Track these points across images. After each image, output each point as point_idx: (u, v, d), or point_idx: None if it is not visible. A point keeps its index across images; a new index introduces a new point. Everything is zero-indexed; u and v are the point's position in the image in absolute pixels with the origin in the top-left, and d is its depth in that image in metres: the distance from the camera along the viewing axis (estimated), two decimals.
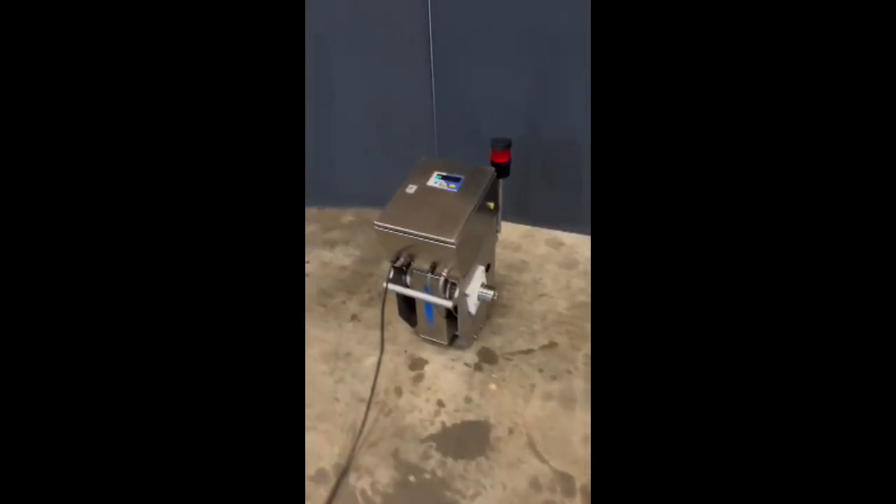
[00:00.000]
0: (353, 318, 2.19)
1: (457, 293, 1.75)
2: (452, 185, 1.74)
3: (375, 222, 1.69)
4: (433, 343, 2.02)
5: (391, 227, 1.67)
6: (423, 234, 1.61)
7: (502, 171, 1.83)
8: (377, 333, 2.09)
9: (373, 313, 2.21)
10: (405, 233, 1.65)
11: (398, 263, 1.76)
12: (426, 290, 1.79)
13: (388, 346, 1.97)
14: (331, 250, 2.61)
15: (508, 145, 1.81)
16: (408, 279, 1.82)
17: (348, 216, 2.86)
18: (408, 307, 1.96)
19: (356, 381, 1.90)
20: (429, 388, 1.85)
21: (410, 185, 1.77)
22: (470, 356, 1.97)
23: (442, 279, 1.70)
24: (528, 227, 2.69)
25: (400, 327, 2.09)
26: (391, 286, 1.78)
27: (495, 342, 2.03)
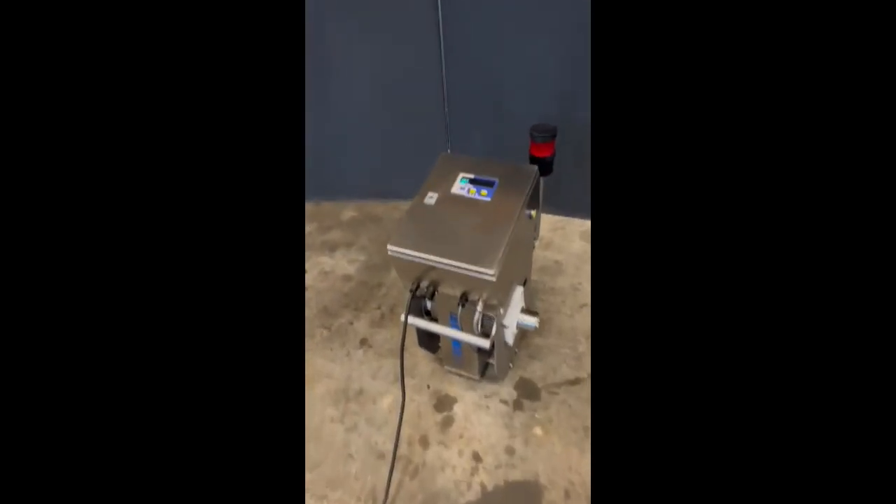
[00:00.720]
0: (363, 343, 1.85)
1: (494, 328, 1.39)
2: (484, 192, 1.36)
3: (389, 246, 1.32)
4: (461, 375, 1.68)
5: (409, 252, 1.29)
6: (452, 262, 1.24)
7: (545, 167, 1.44)
8: (392, 363, 1.75)
9: (385, 336, 1.87)
10: (428, 260, 1.28)
11: (419, 293, 1.40)
12: (452, 319, 1.44)
13: (407, 381, 1.64)
14: (331, 255, 2.24)
15: (553, 135, 1.41)
16: (429, 303, 1.47)
17: (349, 211, 2.48)
18: (428, 333, 1.62)
19: (372, 428, 1.57)
20: (461, 437, 1.53)
21: (430, 194, 1.39)
22: (506, 390, 1.64)
23: (477, 314, 1.34)
24: (559, 218, 2.32)
25: (419, 353, 1.75)
26: (412, 320, 1.43)
27: (535, 370, 1.69)
